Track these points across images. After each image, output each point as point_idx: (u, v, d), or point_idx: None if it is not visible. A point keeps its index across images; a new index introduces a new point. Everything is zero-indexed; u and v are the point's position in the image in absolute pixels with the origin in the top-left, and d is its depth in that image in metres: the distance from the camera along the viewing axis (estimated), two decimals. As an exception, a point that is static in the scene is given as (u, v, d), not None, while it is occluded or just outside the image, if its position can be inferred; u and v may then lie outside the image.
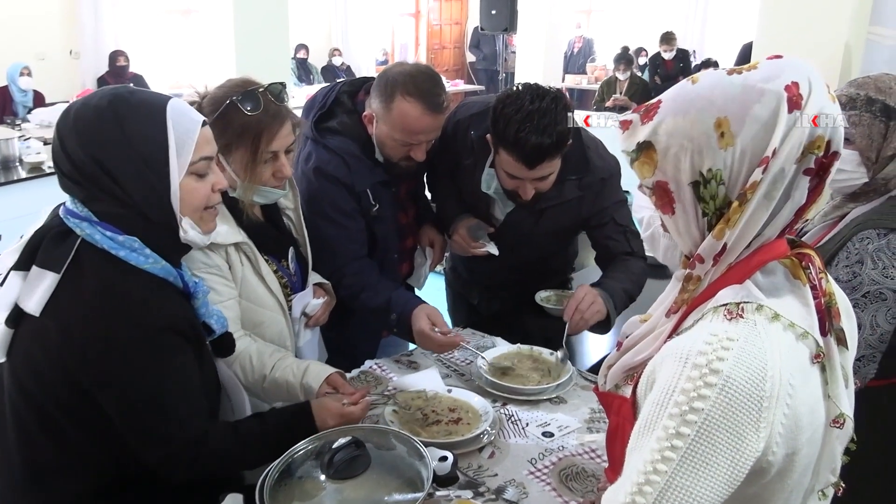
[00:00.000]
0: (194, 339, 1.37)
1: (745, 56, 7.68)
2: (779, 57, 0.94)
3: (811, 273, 0.97)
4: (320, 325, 1.95)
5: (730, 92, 0.92)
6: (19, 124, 6.05)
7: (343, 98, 2.06)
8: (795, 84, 0.90)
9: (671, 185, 0.97)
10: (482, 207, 2.20)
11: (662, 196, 0.99)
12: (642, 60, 10.02)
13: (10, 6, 7.33)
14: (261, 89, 1.63)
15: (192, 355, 1.36)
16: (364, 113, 2.00)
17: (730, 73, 0.95)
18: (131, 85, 6.67)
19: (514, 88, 1.92)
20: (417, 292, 2.39)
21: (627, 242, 2.17)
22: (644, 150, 0.98)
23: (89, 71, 8.00)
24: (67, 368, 1.25)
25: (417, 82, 1.90)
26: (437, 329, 1.91)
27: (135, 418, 1.30)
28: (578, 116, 1.93)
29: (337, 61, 10.41)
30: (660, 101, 0.98)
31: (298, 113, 1.85)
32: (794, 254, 0.99)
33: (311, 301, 1.85)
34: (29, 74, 6.48)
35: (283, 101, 1.66)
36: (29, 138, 5.26)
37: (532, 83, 1.93)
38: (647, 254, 2.24)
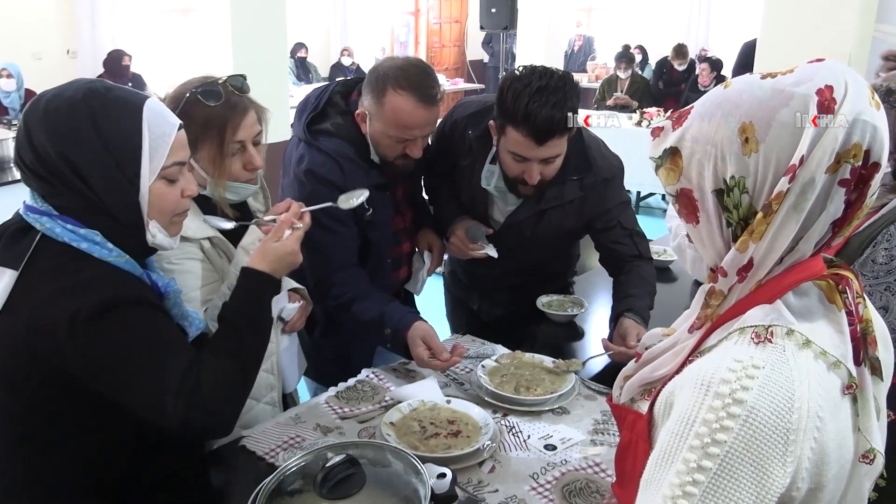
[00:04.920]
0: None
1: (745, 55, 7.61)
2: (820, 60, 0.88)
3: (848, 298, 0.91)
4: (297, 331, 1.88)
5: (758, 96, 0.87)
6: (15, 124, 5.99)
7: (336, 98, 2.00)
8: (829, 87, 0.83)
9: (695, 192, 0.92)
10: (481, 209, 2.15)
11: (687, 204, 0.94)
12: (639, 57, 9.95)
13: (6, 5, 7.28)
14: (221, 81, 1.60)
15: (170, 320, 1.29)
16: (356, 112, 1.94)
17: (763, 77, 0.89)
18: (130, 85, 6.64)
19: (520, 69, 1.88)
20: (416, 298, 2.34)
21: (635, 245, 2.13)
22: (670, 157, 0.94)
23: (86, 70, 7.94)
24: (42, 359, 1.19)
25: (409, 75, 1.84)
26: (433, 357, 1.86)
27: (131, 385, 1.22)
28: (579, 115, 1.89)
29: (346, 61, 10.31)
30: (692, 107, 0.94)
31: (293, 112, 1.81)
32: (830, 275, 0.93)
33: (287, 305, 1.78)
34: (9, 76, 6.29)
35: (245, 93, 1.63)
36: (24, 139, 5.19)
37: (538, 65, 1.89)
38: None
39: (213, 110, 1.56)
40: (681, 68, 8.80)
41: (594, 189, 2.07)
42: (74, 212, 1.23)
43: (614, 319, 2.02)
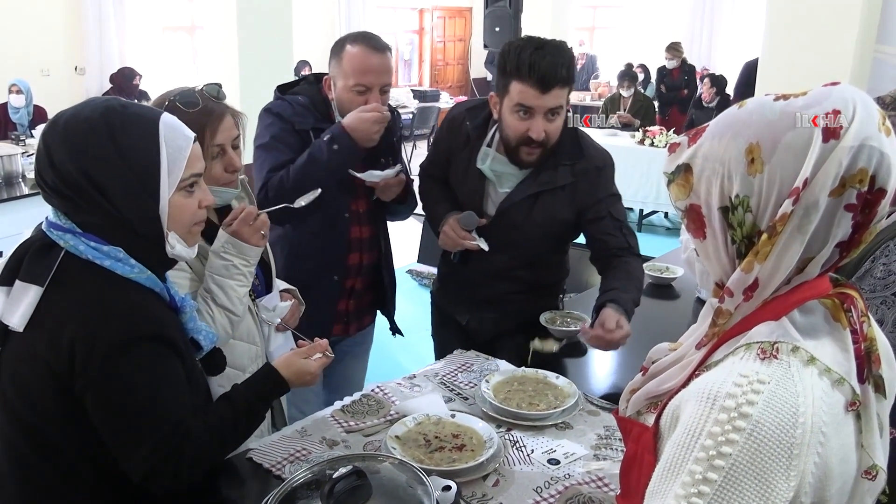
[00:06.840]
0: (183, 350, 1.35)
1: (747, 74, 7.65)
2: (835, 84, 0.89)
3: (853, 316, 0.93)
4: (290, 331, 1.93)
5: (767, 117, 0.88)
6: (23, 140, 6.03)
7: (310, 77, 2.33)
8: (836, 112, 0.84)
9: (703, 208, 0.94)
10: (476, 202, 2.21)
11: (695, 220, 0.96)
12: (641, 76, 10.03)
13: (15, 22, 7.36)
14: (198, 89, 1.68)
15: (178, 365, 1.33)
16: (324, 79, 2.22)
17: (776, 98, 0.90)
18: (135, 101, 6.62)
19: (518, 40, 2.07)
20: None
21: (624, 238, 2.16)
22: (682, 173, 0.96)
23: (94, 87, 8.02)
24: (57, 377, 1.22)
25: (360, 34, 2.22)
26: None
27: (116, 425, 1.26)
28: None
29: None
30: (707, 125, 0.96)
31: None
32: (836, 293, 0.94)
33: (279, 304, 1.86)
34: (19, 92, 6.33)
35: (222, 99, 1.72)
36: (32, 154, 5.22)
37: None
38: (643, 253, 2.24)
39: (191, 116, 1.61)
40: (671, 65, 8.90)
41: (586, 176, 2.14)
42: (97, 228, 1.25)
43: (596, 310, 2.02)
